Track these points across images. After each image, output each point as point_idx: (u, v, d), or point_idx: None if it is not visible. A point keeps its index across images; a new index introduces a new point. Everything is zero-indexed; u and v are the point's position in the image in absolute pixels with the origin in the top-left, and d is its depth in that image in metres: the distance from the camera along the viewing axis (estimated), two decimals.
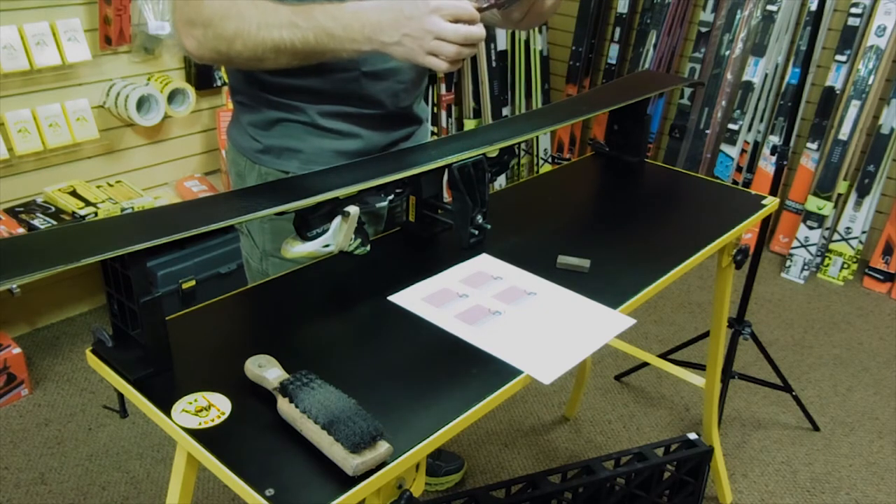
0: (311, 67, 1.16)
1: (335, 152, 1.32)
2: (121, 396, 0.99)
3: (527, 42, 3.75)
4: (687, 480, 1.75)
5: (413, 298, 1.14)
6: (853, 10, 3.02)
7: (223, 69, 2.46)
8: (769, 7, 3.16)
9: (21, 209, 2.37)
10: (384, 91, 1.30)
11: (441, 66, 1.06)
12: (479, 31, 1.06)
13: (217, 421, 0.89)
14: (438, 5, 1.03)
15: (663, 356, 2.29)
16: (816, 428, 2.29)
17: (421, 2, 1.03)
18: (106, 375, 0.98)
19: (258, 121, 1.32)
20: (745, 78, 3.26)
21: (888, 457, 2.20)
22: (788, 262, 3.21)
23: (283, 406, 0.88)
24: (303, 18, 1.08)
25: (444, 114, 3.67)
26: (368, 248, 1.20)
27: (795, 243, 3.21)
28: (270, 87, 1.28)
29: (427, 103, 3.73)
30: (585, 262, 1.25)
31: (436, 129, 3.70)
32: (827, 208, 3.14)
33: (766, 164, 3.31)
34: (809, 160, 3.21)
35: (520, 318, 1.10)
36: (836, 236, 3.18)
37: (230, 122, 1.42)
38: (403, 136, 1.41)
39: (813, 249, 3.17)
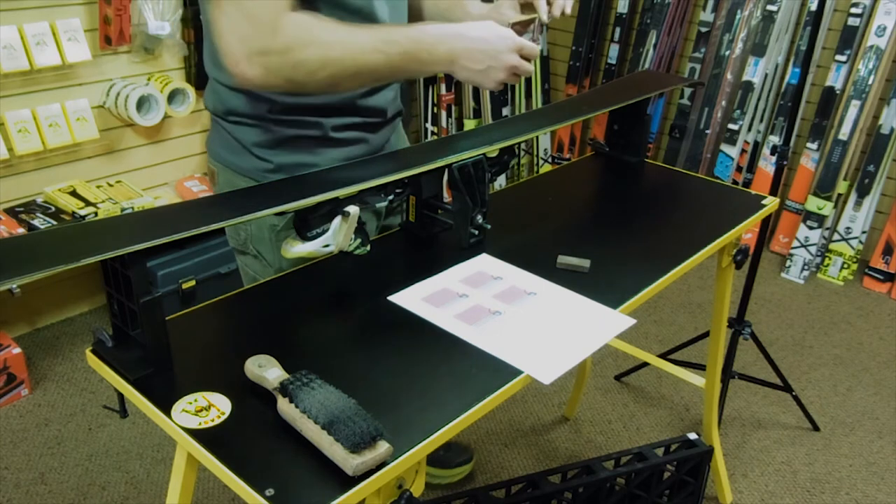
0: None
1: (346, 159, 1.32)
2: (121, 396, 0.99)
3: None
4: (687, 480, 1.75)
5: (413, 298, 1.14)
6: (853, 10, 3.02)
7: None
8: (769, 7, 3.16)
9: (21, 209, 2.37)
10: (385, 99, 1.36)
11: (497, 88, 1.23)
12: (532, 66, 1.25)
13: (217, 421, 0.89)
14: (521, 44, 1.20)
15: (663, 356, 2.29)
16: (816, 428, 2.29)
17: (508, 39, 1.19)
18: (106, 375, 0.98)
19: (266, 140, 1.29)
20: (745, 78, 3.26)
21: (888, 457, 2.20)
22: (788, 262, 3.21)
23: (283, 406, 0.88)
24: (385, 43, 1.14)
25: (444, 114, 3.67)
26: (368, 248, 1.20)
27: (795, 243, 3.21)
28: (284, 107, 1.26)
29: (426, 104, 3.71)
30: (585, 262, 1.25)
31: (436, 129, 3.70)
32: (827, 208, 3.14)
33: (766, 164, 3.31)
34: (809, 160, 3.21)
35: (520, 318, 1.10)
36: (836, 236, 3.18)
37: (217, 146, 1.35)
38: (392, 130, 1.45)
39: (813, 249, 3.17)
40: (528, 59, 1.22)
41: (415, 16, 1.41)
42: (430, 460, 2.03)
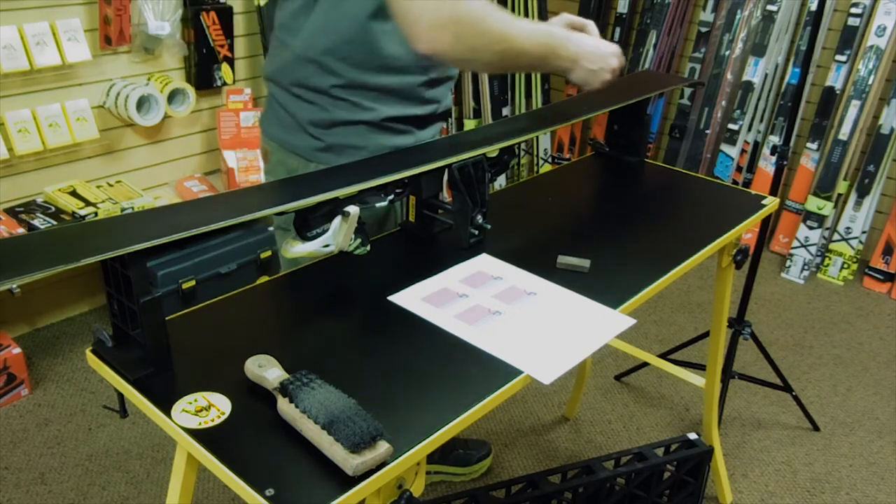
0: (394, 67, 1.29)
1: (392, 148, 1.35)
2: (121, 396, 0.99)
3: None
4: (687, 480, 1.75)
5: (413, 298, 1.14)
6: (853, 10, 3.02)
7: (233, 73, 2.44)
8: (769, 7, 3.16)
9: (21, 209, 2.37)
10: (442, 94, 1.42)
11: (602, 87, 1.39)
12: None
13: (217, 421, 0.89)
14: (619, 52, 1.39)
15: (663, 356, 2.29)
16: (816, 428, 2.29)
17: (612, 46, 1.38)
18: (106, 375, 0.98)
19: (322, 120, 1.33)
20: (745, 78, 3.26)
21: (888, 457, 2.20)
22: (788, 262, 3.21)
23: (283, 406, 0.88)
24: (538, 33, 1.27)
25: None
26: (368, 248, 1.20)
27: (795, 243, 3.21)
28: (349, 84, 1.29)
29: None
30: (585, 262, 1.25)
31: None
32: (827, 208, 3.14)
33: (766, 164, 3.31)
34: (809, 160, 3.21)
35: (520, 318, 1.10)
36: (836, 236, 3.18)
37: (272, 124, 1.40)
38: (439, 129, 1.49)
39: (813, 249, 3.17)
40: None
41: None
42: (452, 460, 2.05)
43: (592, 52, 1.35)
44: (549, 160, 3.92)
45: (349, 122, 1.33)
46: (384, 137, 1.35)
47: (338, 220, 1.11)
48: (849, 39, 3.04)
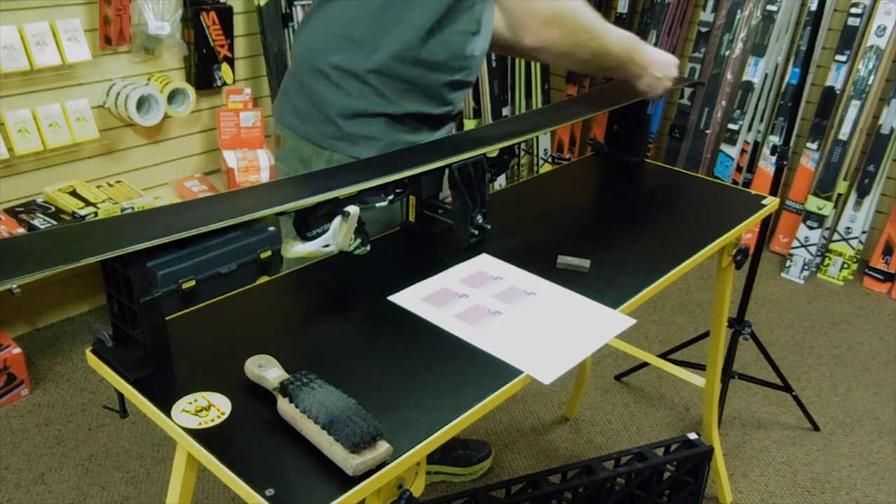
0: (428, 63, 1.32)
1: (406, 143, 1.37)
2: (121, 396, 0.99)
3: None
4: (687, 480, 1.75)
5: (413, 298, 1.14)
6: (853, 10, 3.02)
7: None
8: (769, 7, 3.16)
9: (21, 209, 2.37)
10: (457, 98, 1.44)
11: (662, 95, 1.55)
12: None
13: (217, 421, 0.89)
14: (677, 63, 1.53)
15: (663, 356, 2.29)
16: (816, 428, 2.29)
17: (672, 57, 1.53)
18: (106, 375, 0.98)
19: (345, 107, 1.34)
20: (745, 78, 3.26)
21: (888, 457, 2.20)
22: (788, 262, 3.21)
23: (283, 406, 0.88)
24: (623, 37, 1.39)
25: None
26: (368, 248, 1.20)
27: (795, 243, 3.21)
28: (383, 69, 1.31)
29: None
30: (585, 262, 1.25)
31: None
32: (827, 208, 3.14)
33: (766, 164, 3.31)
34: (809, 160, 3.21)
35: (520, 318, 1.10)
36: (836, 236, 3.18)
37: (286, 109, 1.42)
38: (447, 132, 1.51)
39: (813, 249, 3.17)
40: None
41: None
42: (452, 461, 2.05)
43: (659, 61, 1.49)
44: (549, 160, 3.92)
45: (371, 114, 1.34)
46: (400, 133, 1.37)
47: (338, 220, 1.11)
48: (849, 39, 3.04)
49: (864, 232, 3.13)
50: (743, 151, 3.36)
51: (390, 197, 1.22)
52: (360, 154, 1.35)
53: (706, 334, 2.06)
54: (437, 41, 1.30)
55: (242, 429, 0.88)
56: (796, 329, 2.82)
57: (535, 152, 3.92)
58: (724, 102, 3.34)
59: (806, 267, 3.17)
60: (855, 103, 3.02)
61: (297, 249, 1.10)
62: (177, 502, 1.07)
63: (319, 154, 1.37)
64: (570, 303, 1.15)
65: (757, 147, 3.37)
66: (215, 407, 0.91)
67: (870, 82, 2.99)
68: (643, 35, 3.49)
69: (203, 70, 2.72)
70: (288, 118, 1.42)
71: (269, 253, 2.74)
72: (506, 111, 3.77)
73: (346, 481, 0.80)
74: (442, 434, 0.88)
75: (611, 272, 1.25)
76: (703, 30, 3.37)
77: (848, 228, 3.14)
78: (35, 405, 2.29)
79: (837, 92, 3.10)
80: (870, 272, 3.13)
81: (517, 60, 3.75)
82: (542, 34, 1.25)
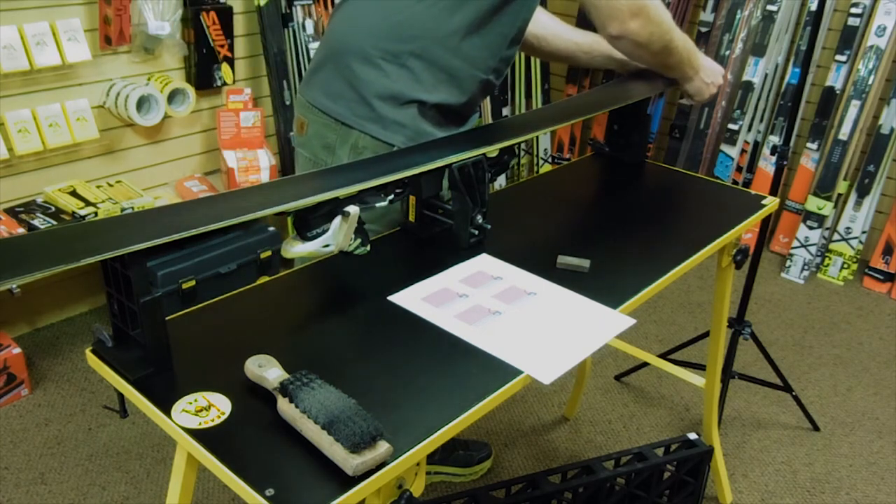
0: (466, 56, 1.36)
1: (429, 136, 1.40)
2: (121, 396, 0.99)
3: None
4: (687, 480, 1.75)
5: (413, 298, 1.14)
6: (853, 10, 3.02)
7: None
8: (769, 7, 3.16)
9: (21, 209, 2.37)
10: (480, 100, 1.49)
11: (708, 102, 1.67)
12: None
13: (217, 421, 0.89)
14: (724, 72, 1.62)
15: (663, 356, 2.29)
16: (816, 428, 2.29)
17: (720, 66, 1.63)
18: (106, 375, 0.98)
19: (380, 88, 1.36)
20: (745, 78, 3.26)
21: (888, 457, 2.20)
22: (788, 262, 3.21)
23: (283, 406, 0.88)
24: (684, 38, 1.49)
25: None
26: (368, 248, 1.20)
27: (795, 243, 3.21)
28: (425, 56, 1.34)
29: None
30: (585, 262, 1.25)
31: None
32: (827, 208, 3.14)
33: (766, 164, 3.31)
34: (809, 160, 3.21)
35: (520, 318, 1.10)
36: (836, 236, 3.18)
37: (318, 91, 1.42)
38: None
39: (813, 249, 3.17)
40: None
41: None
42: (452, 461, 2.05)
43: (709, 68, 1.59)
44: (549, 160, 3.92)
45: (406, 101, 1.36)
46: (427, 125, 1.40)
47: (338, 220, 1.11)
48: (849, 39, 3.04)
49: (864, 232, 3.13)
50: (743, 151, 3.36)
51: (390, 197, 1.22)
52: (388, 138, 1.38)
53: (706, 334, 2.06)
54: (480, 36, 1.36)
55: (242, 429, 0.88)
56: (796, 329, 2.82)
57: (535, 152, 3.92)
58: (724, 102, 3.34)
59: (806, 267, 3.17)
60: (855, 103, 3.02)
61: (297, 249, 1.10)
62: (177, 502, 1.07)
63: (345, 136, 1.38)
64: (570, 303, 1.15)
65: (757, 147, 3.37)
66: (215, 407, 0.91)
67: (870, 82, 2.99)
68: None
69: (203, 70, 2.72)
70: (316, 97, 1.42)
71: (269, 253, 2.74)
72: (506, 111, 3.77)
73: (346, 481, 0.80)
74: (442, 434, 0.88)
75: (611, 272, 1.25)
76: (703, 30, 3.37)
77: (848, 228, 3.14)
78: (35, 405, 2.29)
79: (837, 92, 3.10)
80: (870, 272, 3.13)
81: (517, 60, 3.75)
82: (627, 23, 1.34)
